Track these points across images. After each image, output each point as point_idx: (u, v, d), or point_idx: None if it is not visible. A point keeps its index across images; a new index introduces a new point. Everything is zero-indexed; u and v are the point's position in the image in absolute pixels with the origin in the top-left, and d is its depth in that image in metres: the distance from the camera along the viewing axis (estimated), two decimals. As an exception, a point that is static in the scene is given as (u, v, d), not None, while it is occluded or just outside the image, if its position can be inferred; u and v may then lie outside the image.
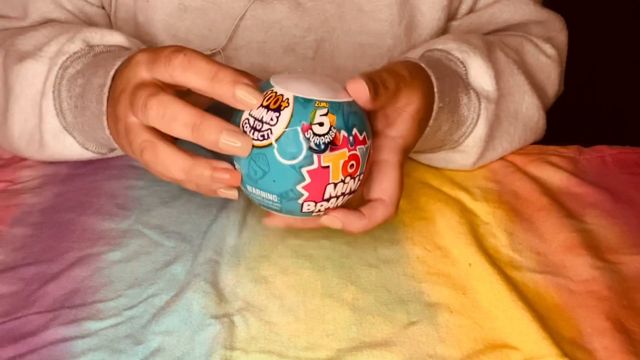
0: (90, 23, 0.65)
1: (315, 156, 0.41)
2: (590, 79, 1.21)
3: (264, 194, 0.43)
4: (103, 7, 0.65)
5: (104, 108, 0.50)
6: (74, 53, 0.54)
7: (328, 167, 0.42)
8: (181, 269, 0.51)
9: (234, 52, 0.65)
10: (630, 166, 0.64)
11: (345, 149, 0.42)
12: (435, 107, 0.52)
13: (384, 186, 0.47)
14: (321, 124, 0.41)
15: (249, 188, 0.44)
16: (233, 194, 0.45)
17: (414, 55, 0.62)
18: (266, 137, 0.41)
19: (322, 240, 0.54)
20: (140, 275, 0.50)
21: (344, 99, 0.42)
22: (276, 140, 0.41)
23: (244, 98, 0.41)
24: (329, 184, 0.42)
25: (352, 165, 0.42)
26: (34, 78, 0.55)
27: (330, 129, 0.41)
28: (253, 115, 0.42)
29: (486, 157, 0.62)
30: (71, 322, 0.46)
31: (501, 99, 0.59)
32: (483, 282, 0.50)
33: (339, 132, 0.41)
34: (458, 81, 0.56)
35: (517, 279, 0.51)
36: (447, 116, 0.54)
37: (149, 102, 0.42)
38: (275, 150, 0.41)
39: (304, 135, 0.41)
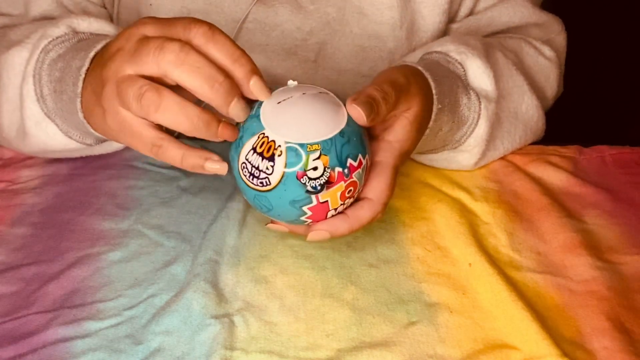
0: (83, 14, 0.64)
1: (313, 196, 0.43)
2: (590, 79, 1.21)
3: (273, 219, 0.46)
4: (105, 7, 0.65)
5: (79, 90, 0.49)
6: (57, 37, 0.53)
7: (326, 201, 0.43)
8: (181, 269, 0.51)
9: None
10: (630, 166, 0.64)
11: (342, 182, 0.43)
12: (434, 109, 0.52)
13: (373, 185, 0.46)
14: (315, 168, 0.42)
15: (259, 213, 0.46)
16: (222, 168, 0.43)
17: (413, 58, 0.62)
18: (265, 184, 0.43)
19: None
20: (140, 275, 0.50)
21: (336, 129, 0.43)
22: (274, 187, 0.43)
23: (257, 90, 0.42)
24: (330, 210, 0.44)
25: (350, 190, 0.44)
26: (20, 65, 0.54)
27: (324, 171, 0.42)
28: (249, 161, 0.43)
29: (488, 157, 0.62)
30: (71, 322, 0.46)
31: (501, 100, 0.60)
32: (483, 282, 0.50)
33: (334, 171, 0.42)
34: (457, 82, 0.56)
35: (517, 279, 0.51)
36: (447, 117, 0.54)
37: (168, 44, 0.41)
38: (275, 195, 0.43)
39: (300, 181, 0.42)
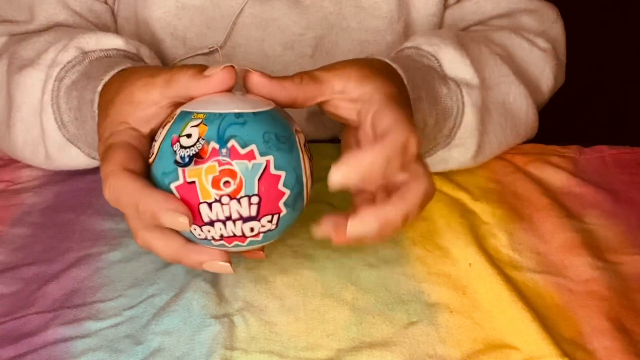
0: (99, 22, 0.64)
1: (179, 170, 0.38)
2: (590, 79, 1.21)
3: None
4: (107, 3, 0.65)
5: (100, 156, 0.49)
6: (68, 62, 0.53)
7: (194, 182, 0.38)
8: (181, 269, 0.51)
9: (232, 50, 0.65)
10: (630, 166, 0.64)
11: (215, 163, 0.38)
12: (410, 95, 0.49)
13: (383, 121, 0.41)
14: (189, 136, 0.38)
15: None
16: (225, 267, 0.41)
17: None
18: (152, 154, 0.40)
19: (322, 240, 0.54)
20: (140, 275, 0.50)
21: (236, 109, 0.39)
22: (155, 156, 0.40)
23: (173, 223, 0.39)
24: (201, 203, 0.38)
25: (228, 182, 0.38)
26: (33, 86, 0.54)
27: (197, 141, 0.38)
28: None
29: (485, 151, 0.60)
30: (71, 322, 0.46)
31: (488, 91, 0.58)
32: (483, 282, 0.50)
33: (208, 144, 0.38)
34: (432, 74, 0.54)
35: (517, 279, 0.51)
36: (429, 109, 0.52)
37: (105, 188, 0.40)
38: (154, 166, 0.40)
39: (173, 148, 0.38)
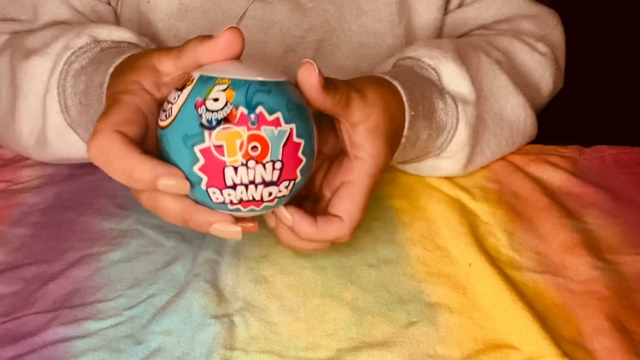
0: (102, 22, 0.64)
1: (206, 133, 0.38)
2: (590, 79, 1.21)
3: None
4: (110, 4, 0.65)
5: (104, 108, 0.49)
6: (80, 48, 0.53)
7: (221, 145, 0.38)
8: (181, 269, 0.51)
9: None
10: (630, 166, 0.64)
11: (244, 127, 0.38)
12: (407, 116, 0.50)
13: (345, 205, 0.45)
14: (216, 99, 0.38)
15: None
16: (235, 232, 0.41)
17: (388, 64, 0.61)
18: (167, 116, 0.40)
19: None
20: (140, 275, 0.50)
21: (260, 77, 0.40)
22: (174, 118, 0.39)
23: (168, 189, 0.39)
24: (227, 166, 0.39)
25: (255, 147, 0.39)
26: (41, 75, 0.55)
27: (225, 105, 0.38)
28: (167, 98, 0.41)
29: (476, 162, 0.60)
30: (71, 322, 0.46)
31: (484, 101, 0.58)
32: (483, 282, 0.50)
33: (236, 109, 0.38)
34: (431, 88, 0.54)
35: (517, 279, 0.51)
36: (424, 124, 0.53)
37: (91, 143, 0.40)
38: (172, 129, 0.40)
39: (197, 111, 0.39)
